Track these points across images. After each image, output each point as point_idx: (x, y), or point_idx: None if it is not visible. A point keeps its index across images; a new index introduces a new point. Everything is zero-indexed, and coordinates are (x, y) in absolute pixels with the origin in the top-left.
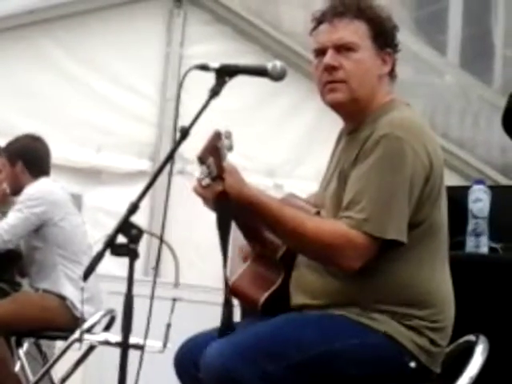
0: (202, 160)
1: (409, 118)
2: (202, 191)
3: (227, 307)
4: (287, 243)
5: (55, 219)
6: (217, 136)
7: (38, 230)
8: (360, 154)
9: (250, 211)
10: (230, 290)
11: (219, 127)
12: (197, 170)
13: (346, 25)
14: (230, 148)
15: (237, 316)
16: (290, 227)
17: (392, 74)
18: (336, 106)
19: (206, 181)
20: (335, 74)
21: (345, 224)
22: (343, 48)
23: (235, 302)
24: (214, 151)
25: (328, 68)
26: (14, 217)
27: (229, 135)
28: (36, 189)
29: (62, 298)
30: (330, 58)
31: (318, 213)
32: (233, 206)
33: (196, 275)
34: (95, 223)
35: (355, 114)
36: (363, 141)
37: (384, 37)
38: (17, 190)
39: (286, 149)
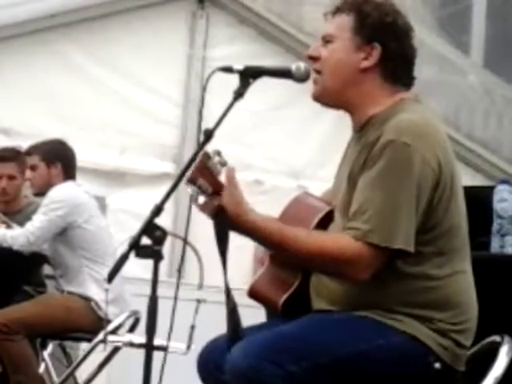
0: (192, 182)
1: (417, 120)
2: (201, 208)
3: (232, 318)
4: (295, 263)
5: (79, 221)
6: (205, 157)
7: (63, 232)
8: (368, 159)
9: (248, 235)
10: (249, 294)
11: (243, 129)
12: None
13: (337, 18)
14: (224, 164)
15: (262, 317)
16: (293, 250)
17: (389, 71)
18: (316, 100)
19: (201, 199)
20: (314, 65)
21: (350, 235)
22: (324, 40)
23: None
24: (205, 172)
25: (309, 58)
26: (39, 219)
27: (219, 153)
28: (60, 192)
29: (87, 300)
30: (311, 48)
31: (332, 211)
32: (230, 223)
33: (220, 277)
34: (119, 225)
35: (345, 109)
36: (371, 144)
37: (370, 30)
38: (43, 191)
39: (310, 150)
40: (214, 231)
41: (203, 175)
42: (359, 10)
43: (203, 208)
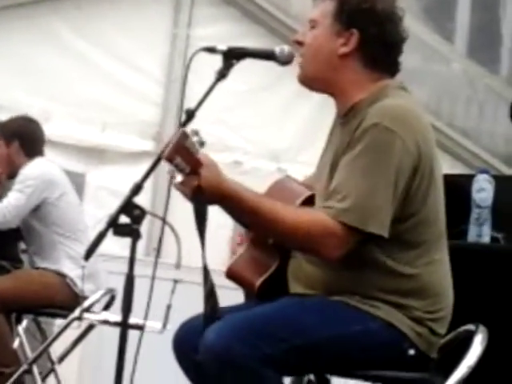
0: (169, 161)
1: (400, 105)
2: (178, 187)
3: (210, 298)
4: (267, 235)
5: (52, 198)
6: (183, 135)
7: (37, 209)
8: (350, 141)
9: (227, 204)
10: (226, 274)
11: (225, 110)
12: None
13: (321, 4)
14: (202, 144)
15: (240, 298)
16: (268, 219)
17: (368, 57)
18: (301, 83)
19: (179, 178)
20: (299, 50)
21: (325, 213)
22: (310, 25)
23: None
24: (182, 150)
25: (294, 42)
26: (15, 196)
27: (196, 132)
28: (33, 168)
29: (62, 276)
30: (299, 33)
31: (313, 196)
32: (209, 200)
33: (198, 257)
34: (98, 202)
35: (329, 93)
36: (354, 128)
37: (348, 16)
38: (12, 172)
39: (291, 134)
40: (193, 211)
41: (181, 154)
42: None
43: (181, 187)
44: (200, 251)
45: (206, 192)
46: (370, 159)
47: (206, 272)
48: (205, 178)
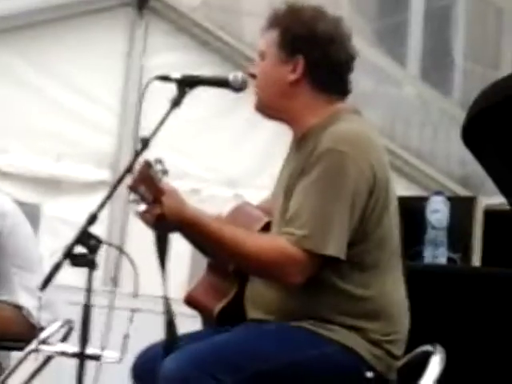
0: (133, 189)
1: (354, 129)
2: (141, 216)
3: (169, 327)
4: (229, 261)
5: (5, 230)
6: (146, 164)
7: None
8: (305, 167)
9: (189, 232)
10: (185, 301)
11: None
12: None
13: (266, 34)
14: (165, 172)
15: (198, 326)
16: (229, 246)
17: (318, 81)
18: (258, 112)
19: (142, 207)
20: (254, 81)
21: (285, 240)
22: (260, 57)
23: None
24: (146, 179)
25: (249, 75)
26: None
27: (160, 161)
28: None
29: (18, 307)
30: (251, 65)
31: (271, 222)
32: (171, 228)
33: (155, 286)
34: (54, 233)
35: (285, 122)
36: (308, 153)
37: (292, 43)
38: None
39: (247, 159)
40: (154, 239)
41: (144, 183)
42: (281, 24)
43: (144, 216)
44: (157, 280)
45: (168, 220)
46: (326, 184)
47: (166, 301)
48: (167, 206)
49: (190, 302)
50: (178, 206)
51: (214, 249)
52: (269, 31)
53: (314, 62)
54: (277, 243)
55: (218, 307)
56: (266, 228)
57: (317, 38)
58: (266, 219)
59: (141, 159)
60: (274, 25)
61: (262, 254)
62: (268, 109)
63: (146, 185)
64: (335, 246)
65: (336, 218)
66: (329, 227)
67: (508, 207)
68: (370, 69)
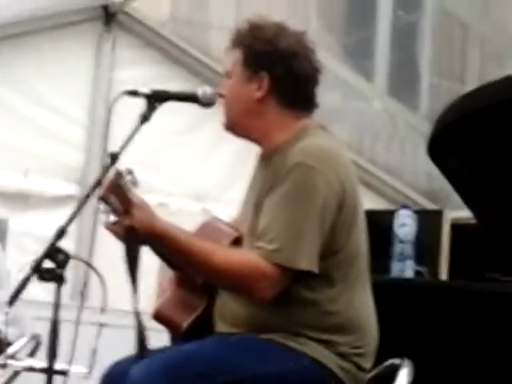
0: (104, 200)
1: (321, 144)
2: (110, 227)
3: (140, 337)
4: (198, 275)
5: None
6: (117, 175)
7: None
8: (274, 182)
9: (159, 244)
10: (154, 316)
11: (148, 151)
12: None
13: (231, 54)
14: (135, 183)
15: (165, 341)
16: (199, 259)
17: (283, 96)
18: (227, 131)
19: (111, 218)
20: (222, 101)
21: (256, 254)
22: (226, 76)
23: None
24: (117, 189)
25: (219, 96)
26: None
27: (130, 172)
28: None
29: None
30: (221, 86)
31: (241, 237)
32: (141, 240)
33: (124, 300)
34: (22, 248)
35: (253, 140)
36: (277, 170)
37: (255, 61)
38: None
39: (215, 174)
40: (124, 252)
41: (115, 193)
42: (243, 42)
43: (113, 228)
44: (125, 294)
45: (138, 232)
46: (296, 198)
47: (137, 314)
48: (137, 217)
49: (158, 317)
50: (148, 218)
51: (182, 262)
52: (233, 50)
53: (278, 77)
54: (247, 257)
55: (186, 322)
56: (236, 243)
57: (279, 54)
58: (235, 234)
59: (111, 170)
60: (237, 44)
61: (232, 268)
62: (236, 127)
63: (117, 195)
64: (307, 260)
65: (307, 231)
66: (300, 241)
67: (474, 220)
68: (338, 84)
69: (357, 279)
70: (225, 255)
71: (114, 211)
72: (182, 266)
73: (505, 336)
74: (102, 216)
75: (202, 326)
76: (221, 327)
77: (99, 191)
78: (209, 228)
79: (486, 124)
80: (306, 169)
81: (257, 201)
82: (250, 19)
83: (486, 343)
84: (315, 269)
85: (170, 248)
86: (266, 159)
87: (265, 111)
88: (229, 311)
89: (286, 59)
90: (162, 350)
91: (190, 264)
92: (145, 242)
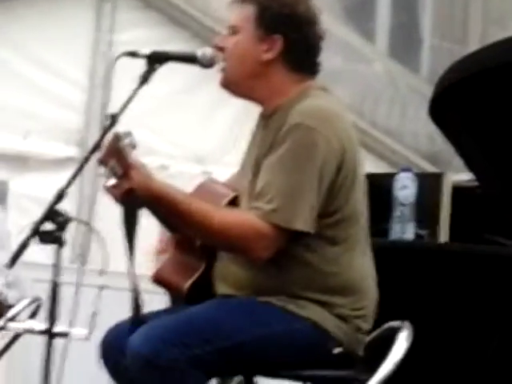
0: (103, 163)
1: (322, 105)
2: (110, 190)
3: (135, 304)
4: (196, 236)
5: None
6: (116, 138)
7: None
8: (273, 143)
9: (157, 205)
10: (153, 279)
11: (148, 114)
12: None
13: (239, 8)
14: (134, 146)
15: (165, 303)
16: (197, 220)
17: (292, 61)
18: (223, 88)
19: (112, 181)
20: (221, 55)
21: (253, 214)
22: (230, 31)
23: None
24: (116, 153)
25: (215, 47)
26: None
27: (129, 134)
28: None
29: None
30: (219, 38)
31: (237, 197)
32: (140, 202)
33: (124, 263)
34: (22, 210)
35: (251, 100)
36: (276, 129)
37: (270, 22)
38: None
39: (216, 136)
40: (122, 216)
41: (114, 156)
42: (260, 2)
43: (112, 191)
44: (126, 257)
45: (136, 194)
46: (295, 159)
47: (132, 278)
48: (136, 180)
49: (158, 280)
50: (145, 180)
51: (181, 223)
52: (243, 5)
53: (292, 42)
54: (244, 217)
55: (187, 284)
56: (233, 203)
57: (297, 19)
58: (232, 194)
59: (110, 133)
60: (250, 1)
61: (230, 228)
62: (235, 87)
63: (116, 158)
64: (303, 220)
65: (304, 192)
66: (297, 201)
67: (476, 183)
68: (339, 46)
69: (357, 241)
70: (223, 215)
71: (114, 174)
72: (180, 226)
73: (504, 298)
74: (102, 179)
75: (203, 288)
76: (221, 289)
77: (99, 154)
78: (205, 189)
79: (487, 85)
80: (305, 129)
81: (256, 160)
82: None
83: (486, 305)
84: (312, 229)
85: (167, 209)
86: (265, 119)
87: (269, 74)
88: (229, 273)
89: (302, 25)
90: (160, 315)
91: (187, 225)
92: (143, 205)
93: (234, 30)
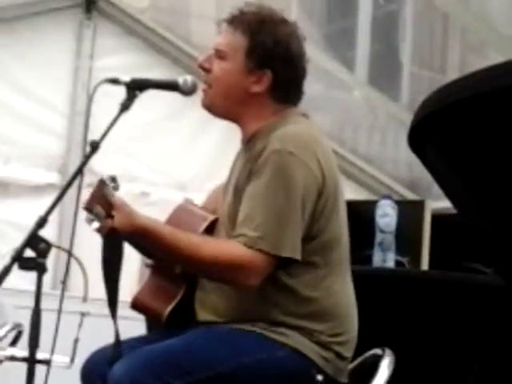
0: (88, 210)
1: (302, 131)
2: (97, 232)
3: (116, 339)
4: (186, 269)
5: None
6: (101, 184)
7: None
8: (254, 169)
9: (142, 241)
10: (132, 305)
11: (129, 140)
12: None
13: (228, 33)
14: (117, 188)
15: (143, 329)
16: (186, 254)
17: (279, 95)
18: (205, 109)
19: (96, 224)
20: (206, 76)
21: (240, 243)
22: (217, 54)
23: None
24: (101, 199)
25: (200, 66)
26: None
27: (113, 179)
28: None
29: None
30: (203, 58)
31: (217, 220)
32: (123, 240)
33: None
34: (3, 236)
35: (233, 121)
36: (257, 155)
37: (263, 58)
38: None
39: (197, 163)
40: (102, 254)
41: (99, 202)
42: (253, 34)
43: (100, 233)
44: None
45: (120, 229)
46: (277, 185)
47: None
48: (118, 218)
49: (137, 306)
50: (128, 217)
51: (168, 257)
52: (234, 33)
53: (281, 78)
54: (233, 248)
55: (167, 310)
56: (212, 226)
57: (290, 57)
58: (211, 217)
59: (93, 165)
60: (242, 29)
61: (218, 261)
62: (220, 110)
63: (100, 203)
64: (290, 247)
65: (289, 218)
66: (283, 228)
67: (455, 211)
68: (319, 73)
69: (337, 266)
70: (211, 248)
71: (97, 218)
72: (168, 260)
73: (485, 326)
74: (86, 223)
75: (182, 313)
76: (202, 316)
77: (83, 200)
78: (183, 212)
79: (466, 115)
80: (285, 156)
81: (236, 184)
82: (249, 2)
83: (466, 333)
84: (298, 256)
85: (153, 244)
86: (245, 144)
87: (254, 104)
88: (210, 301)
89: (293, 62)
90: (139, 341)
91: (176, 259)
92: (126, 240)
93: (221, 55)
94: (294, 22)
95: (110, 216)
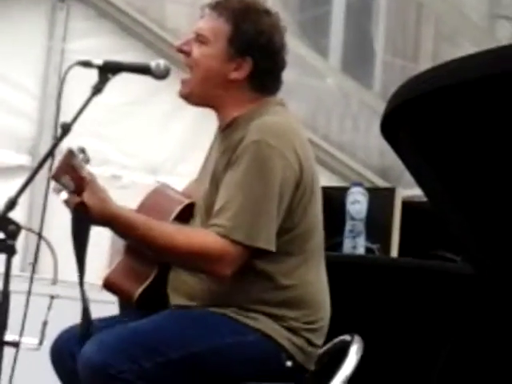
0: (56, 179)
1: (279, 122)
2: (65, 204)
3: (85, 317)
4: (159, 258)
5: None
6: (70, 154)
7: None
8: (232, 158)
9: (114, 228)
10: (103, 285)
11: (101, 123)
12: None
13: (211, 18)
14: (87, 161)
15: (115, 309)
16: (160, 244)
17: (258, 84)
18: (183, 99)
19: (64, 195)
20: (185, 59)
21: (214, 232)
22: (198, 39)
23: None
24: (69, 169)
25: (178, 50)
26: None
27: (83, 150)
28: None
29: None
30: (183, 41)
31: (193, 204)
32: (94, 219)
33: (75, 272)
34: None
35: (210, 107)
36: (235, 145)
37: (244, 46)
38: None
39: (169, 146)
40: (71, 229)
41: (67, 172)
42: (238, 22)
43: (66, 204)
44: (74, 266)
45: (90, 210)
46: (255, 176)
47: (82, 291)
48: (89, 199)
49: (109, 286)
50: (100, 204)
51: (141, 246)
52: (218, 18)
53: (261, 68)
54: (207, 238)
55: (138, 291)
56: (188, 211)
57: (272, 48)
58: (186, 201)
59: (64, 147)
60: (225, 16)
61: (192, 251)
62: (198, 98)
63: (69, 174)
64: (265, 238)
65: (265, 209)
66: (259, 219)
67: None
68: (292, 60)
69: (312, 255)
70: (185, 237)
71: (66, 189)
72: (143, 248)
73: (453, 313)
74: (54, 193)
75: (154, 295)
76: (175, 300)
77: (48, 166)
78: (159, 195)
79: (439, 105)
80: (263, 147)
81: (213, 174)
82: None
83: (435, 320)
84: (273, 247)
85: (125, 232)
86: (222, 131)
87: (232, 89)
88: (183, 284)
89: (274, 54)
90: (111, 321)
91: (150, 248)
92: (98, 223)
93: (202, 40)
94: (276, 12)
95: (79, 189)
